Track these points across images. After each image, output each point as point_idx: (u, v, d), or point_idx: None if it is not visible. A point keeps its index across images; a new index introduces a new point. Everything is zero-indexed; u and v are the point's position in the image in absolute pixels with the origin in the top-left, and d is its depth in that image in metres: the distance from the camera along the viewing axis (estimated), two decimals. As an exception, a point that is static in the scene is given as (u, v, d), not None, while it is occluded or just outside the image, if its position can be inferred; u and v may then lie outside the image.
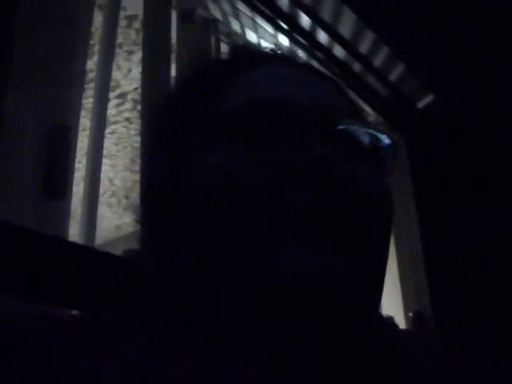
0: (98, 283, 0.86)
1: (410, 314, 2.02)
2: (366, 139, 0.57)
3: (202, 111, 0.59)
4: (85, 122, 1.39)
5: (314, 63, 1.84)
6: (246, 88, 0.59)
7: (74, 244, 0.97)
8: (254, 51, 0.74)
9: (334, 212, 0.50)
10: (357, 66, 1.93)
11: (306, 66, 0.70)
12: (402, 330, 0.71)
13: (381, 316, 0.64)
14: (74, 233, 1.24)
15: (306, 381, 0.49)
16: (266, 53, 0.72)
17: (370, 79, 1.97)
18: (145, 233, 0.63)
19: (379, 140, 0.57)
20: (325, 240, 0.49)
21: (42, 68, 1.12)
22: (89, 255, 0.91)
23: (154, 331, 0.51)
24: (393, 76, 1.96)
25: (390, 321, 0.70)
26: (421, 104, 2.06)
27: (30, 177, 1.04)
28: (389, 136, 0.58)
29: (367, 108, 2.04)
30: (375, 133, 0.57)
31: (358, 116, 0.64)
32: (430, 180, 2.06)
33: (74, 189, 1.14)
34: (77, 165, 1.16)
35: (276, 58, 0.69)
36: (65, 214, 1.10)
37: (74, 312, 0.86)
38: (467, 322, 1.79)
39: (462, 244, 1.94)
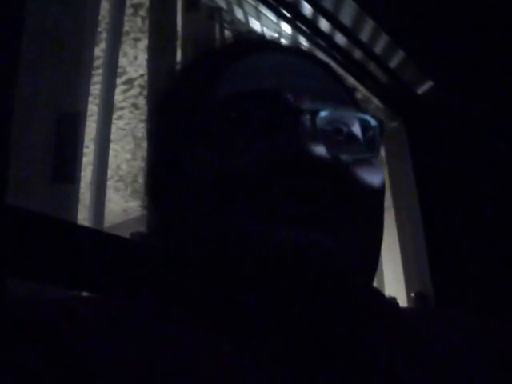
0: (107, 265, 0.89)
1: (412, 295, 2.02)
2: (353, 122, 0.59)
3: (194, 102, 0.61)
4: (92, 107, 1.41)
5: (316, 50, 1.86)
6: (235, 79, 0.60)
7: (83, 227, 1.00)
8: (246, 40, 0.74)
9: (321, 196, 0.51)
10: (357, 54, 1.94)
11: (297, 51, 0.70)
12: (402, 308, 0.71)
13: (375, 290, 0.65)
14: (82, 217, 1.25)
15: (292, 353, 0.51)
16: (259, 41, 0.73)
17: (371, 66, 1.98)
18: (150, 218, 0.66)
19: (366, 122, 0.59)
20: (314, 222, 0.50)
21: (50, 55, 1.13)
22: (98, 238, 0.94)
23: (155, 317, 0.52)
24: (393, 63, 1.96)
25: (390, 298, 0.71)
26: (420, 90, 2.07)
27: (40, 162, 1.05)
28: (375, 118, 0.59)
29: (368, 94, 2.06)
30: (362, 115, 0.59)
31: (350, 99, 0.65)
32: (430, 164, 2.06)
33: (82, 173, 1.15)
34: (84, 150, 1.17)
35: (268, 45, 0.70)
36: (74, 199, 1.10)
37: (85, 295, 0.88)
38: (468, 303, 1.82)
39: (463, 226, 1.95)
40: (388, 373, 0.52)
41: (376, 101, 2.08)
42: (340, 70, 1.91)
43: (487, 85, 1.94)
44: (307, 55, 0.69)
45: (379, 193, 0.57)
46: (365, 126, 0.59)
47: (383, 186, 0.58)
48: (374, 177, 0.57)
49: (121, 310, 0.51)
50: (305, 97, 0.56)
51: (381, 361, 0.53)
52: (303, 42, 1.85)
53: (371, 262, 0.58)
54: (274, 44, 0.72)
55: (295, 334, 0.52)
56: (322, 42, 1.87)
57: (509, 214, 1.87)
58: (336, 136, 0.57)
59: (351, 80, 1.95)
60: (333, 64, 1.88)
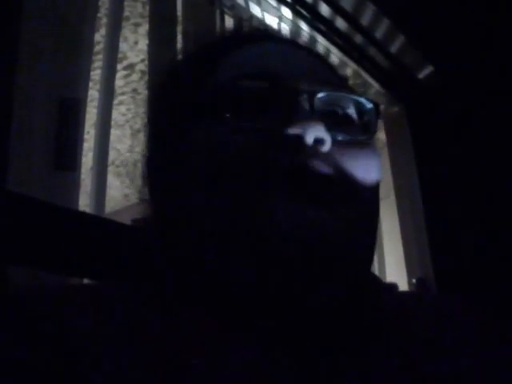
0: (108, 252, 0.88)
1: (414, 281, 2.03)
2: (349, 104, 0.60)
3: (193, 88, 0.61)
4: (93, 93, 1.41)
5: (317, 35, 1.87)
6: (235, 64, 0.61)
7: (84, 214, 1.01)
8: (245, 31, 0.76)
9: (318, 176, 0.52)
10: (358, 38, 1.94)
11: (293, 42, 0.72)
12: (401, 293, 0.71)
13: (373, 277, 0.65)
14: (84, 203, 1.26)
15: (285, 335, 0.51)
16: (257, 32, 0.75)
17: (372, 51, 1.99)
18: (150, 204, 0.66)
19: (362, 105, 0.60)
20: (310, 201, 0.51)
21: (50, 41, 1.13)
22: (99, 225, 0.94)
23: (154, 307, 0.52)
24: (393, 48, 1.97)
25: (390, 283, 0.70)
26: (421, 75, 2.07)
27: (41, 150, 1.05)
28: (371, 101, 0.60)
29: (369, 79, 2.06)
30: (357, 98, 0.60)
31: (343, 85, 0.67)
32: (431, 148, 2.07)
33: (83, 159, 1.15)
34: (85, 135, 1.17)
35: (265, 36, 0.71)
36: (75, 186, 1.11)
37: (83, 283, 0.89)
38: (469, 288, 1.83)
39: (464, 211, 1.96)
40: (386, 359, 0.52)
41: (377, 86, 2.08)
42: (340, 55, 1.92)
43: (488, 69, 1.94)
44: (303, 46, 0.70)
45: (374, 175, 0.58)
46: (360, 108, 0.60)
47: (378, 168, 0.59)
48: (369, 159, 0.58)
49: (119, 299, 0.52)
50: (302, 79, 0.57)
51: (379, 347, 0.53)
52: (304, 26, 1.85)
53: (367, 244, 0.58)
54: (270, 34, 0.74)
55: (292, 318, 0.52)
56: (322, 27, 1.87)
57: (510, 199, 1.87)
58: (332, 118, 0.57)
59: (352, 65, 1.95)
60: (333, 49, 1.88)
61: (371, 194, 0.57)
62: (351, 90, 0.66)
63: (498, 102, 1.92)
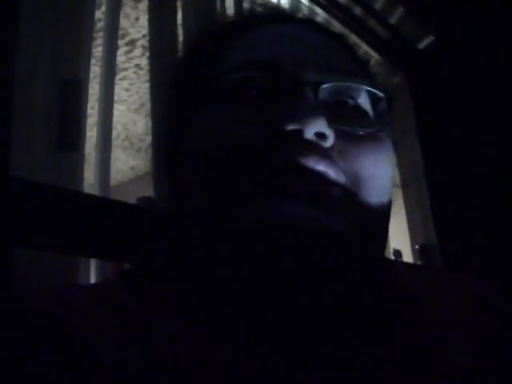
0: (113, 233, 0.90)
1: (417, 247, 2.06)
2: (360, 94, 0.56)
3: (203, 74, 0.59)
4: (95, 69, 1.42)
5: (316, 8, 1.87)
6: (246, 48, 0.59)
7: (90, 196, 1.01)
8: (253, 13, 0.71)
9: (320, 173, 0.49)
10: (358, 10, 1.94)
11: (307, 22, 0.67)
12: (405, 275, 0.66)
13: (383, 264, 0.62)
14: (89, 175, 1.28)
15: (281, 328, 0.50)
16: (265, 13, 0.70)
17: (371, 22, 1.99)
18: (159, 187, 0.67)
19: (374, 95, 0.57)
20: (311, 199, 0.49)
21: (50, 21, 1.13)
22: (104, 206, 0.95)
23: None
24: (393, 19, 1.97)
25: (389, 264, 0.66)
26: (421, 45, 2.08)
27: (44, 131, 1.06)
28: (384, 91, 0.57)
29: (370, 50, 2.07)
30: (369, 88, 0.56)
31: (362, 72, 0.62)
32: (432, 117, 2.08)
33: (88, 134, 1.15)
34: (89, 111, 1.18)
35: (281, 17, 0.67)
36: (79, 166, 1.11)
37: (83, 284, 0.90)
38: (472, 254, 1.85)
39: (466, 178, 1.98)
40: (389, 345, 0.51)
41: (377, 56, 2.08)
42: (340, 27, 1.92)
43: (487, 37, 1.94)
44: (318, 27, 0.66)
45: (384, 169, 0.55)
46: (372, 98, 0.57)
47: (390, 162, 0.56)
48: (379, 152, 0.54)
49: (121, 298, 0.51)
50: (308, 68, 0.54)
51: (382, 335, 0.52)
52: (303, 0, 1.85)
53: (377, 240, 0.56)
54: (281, 16, 0.70)
55: (294, 313, 0.51)
56: (322, 0, 1.87)
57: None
58: (340, 109, 0.55)
59: (352, 36, 1.95)
60: (333, 21, 1.89)
61: (379, 189, 0.54)
62: (370, 76, 0.64)
63: (496, 68, 1.93)
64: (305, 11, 1.82)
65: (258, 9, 0.74)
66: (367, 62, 0.68)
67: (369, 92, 0.57)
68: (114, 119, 1.45)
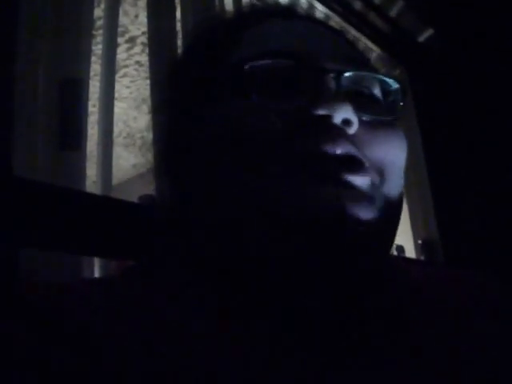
0: (116, 232, 0.90)
1: (419, 242, 2.07)
2: (375, 84, 0.57)
3: (215, 63, 0.59)
4: (96, 67, 1.42)
5: (315, 2, 1.87)
6: (258, 39, 0.59)
7: (92, 195, 1.01)
8: (261, 7, 0.73)
9: (346, 158, 0.50)
10: (357, 4, 1.95)
11: (317, 20, 0.69)
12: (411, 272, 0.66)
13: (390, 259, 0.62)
14: (92, 173, 1.28)
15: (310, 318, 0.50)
16: (278, 7, 0.72)
17: (371, 16, 1.99)
18: (164, 184, 0.64)
19: (388, 85, 0.58)
20: (336, 182, 0.49)
21: (50, 20, 1.13)
22: (107, 205, 0.95)
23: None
24: (393, 12, 1.98)
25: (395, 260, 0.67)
26: (421, 38, 2.08)
27: (45, 131, 1.06)
28: (397, 80, 0.58)
29: (370, 44, 2.06)
30: (384, 78, 0.57)
31: (367, 65, 0.63)
32: (433, 109, 2.08)
33: (90, 131, 1.15)
34: (91, 108, 1.18)
35: (288, 12, 0.68)
36: (81, 165, 1.11)
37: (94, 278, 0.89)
38: (474, 249, 1.85)
39: (468, 172, 1.98)
40: (401, 343, 0.52)
41: (377, 50, 2.08)
42: (340, 21, 1.92)
43: (487, 30, 1.93)
44: (326, 24, 0.68)
45: (399, 156, 0.56)
46: (386, 88, 0.58)
47: (404, 149, 0.56)
48: (395, 140, 0.55)
49: (131, 292, 0.51)
50: (328, 57, 0.55)
51: (394, 331, 0.52)
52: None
53: (389, 226, 0.56)
54: (293, 11, 0.70)
55: (314, 306, 0.51)
56: (321, -6, 1.87)
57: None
58: (358, 97, 0.55)
59: (352, 31, 1.95)
60: (332, 16, 1.88)
61: (398, 177, 0.55)
62: (376, 70, 0.65)
63: (496, 59, 1.93)
64: (304, 5, 1.82)
65: (259, 4, 0.73)
66: (368, 57, 0.69)
67: (383, 82, 0.58)
68: (115, 117, 1.44)
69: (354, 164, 0.51)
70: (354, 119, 0.51)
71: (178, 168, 0.62)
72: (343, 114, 0.50)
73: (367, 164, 0.51)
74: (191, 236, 0.59)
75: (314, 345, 0.49)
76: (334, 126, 0.50)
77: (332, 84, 0.52)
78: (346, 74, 0.53)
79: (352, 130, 0.51)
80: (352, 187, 0.50)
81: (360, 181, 0.50)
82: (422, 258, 2.01)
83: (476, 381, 0.50)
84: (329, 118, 0.50)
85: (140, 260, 0.68)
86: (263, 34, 0.60)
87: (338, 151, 0.50)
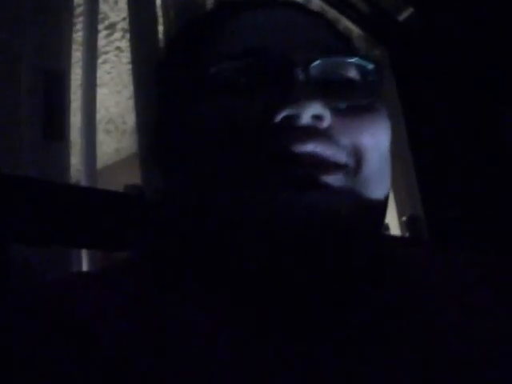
0: (102, 223, 0.91)
1: (404, 219, 2.08)
2: (349, 68, 0.56)
3: (189, 64, 0.59)
4: (77, 54, 1.42)
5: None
6: (232, 35, 0.58)
7: (77, 187, 1.04)
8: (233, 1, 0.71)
9: (320, 157, 0.49)
10: (337, -16, 1.94)
11: (287, 4, 0.65)
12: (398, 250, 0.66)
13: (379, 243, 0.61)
14: (76, 161, 1.28)
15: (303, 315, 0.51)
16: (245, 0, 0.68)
17: (351, -4, 1.99)
18: (147, 174, 0.66)
19: (363, 66, 0.56)
20: (310, 183, 0.49)
21: (29, 11, 1.13)
22: (91, 196, 0.96)
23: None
24: (373, -8, 1.98)
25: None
26: (401, 17, 2.08)
27: (29, 121, 1.06)
28: (372, 61, 0.56)
29: (351, 25, 2.06)
30: (357, 60, 0.56)
31: (346, 47, 0.63)
32: (414, 87, 2.09)
33: (72, 119, 1.15)
34: (72, 96, 1.17)
35: (256, 2, 0.65)
36: (65, 154, 1.11)
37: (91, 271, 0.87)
38: (459, 225, 1.87)
39: (450, 148, 1.99)
40: (388, 328, 0.52)
41: (358, 30, 2.08)
42: (320, 2, 1.92)
43: (467, 9, 1.94)
44: (300, 8, 0.65)
45: (385, 138, 0.55)
46: (362, 70, 0.56)
47: (388, 130, 0.56)
48: (375, 122, 0.54)
49: (128, 288, 0.51)
50: (296, 49, 0.54)
51: (385, 310, 0.53)
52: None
53: (377, 217, 0.56)
54: (263, 1, 0.67)
55: (300, 297, 0.52)
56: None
57: (495, 140, 1.90)
58: (333, 85, 0.54)
59: (332, 12, 1.95)
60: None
61: (382, 159, 0.55)
62: (354, 51, 0.64)
63: (475, 36, 1.93)
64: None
65: None
66: (349, 37, 0.67)
67: (357, 65, 0.56)
68: (97, 103, 1.45)
69: (323, 163, 0.50)
70: (325, 113, 0.50)
71: (159, 160, 0.63)
72: (312, 110, 0.49)
73: (343, 155, 0.51)
74: (180, 226, 0.59)
75: (313, 342, 0.49)
76: (301, 126, 0.50)
77: (301, 77, 0.51)
78: (315, 64, 0.52)
79: (324, 124, 0.50)
80: (325, 186, 0.49)
81: (331, 179, 0.50)
82: (407, 235, 2.03)
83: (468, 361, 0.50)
84: (296, 117, 0.49)
85: (131, 252, 0.68)
86: (234, 31, 0.59)
87: (306, 150, 0.49)
